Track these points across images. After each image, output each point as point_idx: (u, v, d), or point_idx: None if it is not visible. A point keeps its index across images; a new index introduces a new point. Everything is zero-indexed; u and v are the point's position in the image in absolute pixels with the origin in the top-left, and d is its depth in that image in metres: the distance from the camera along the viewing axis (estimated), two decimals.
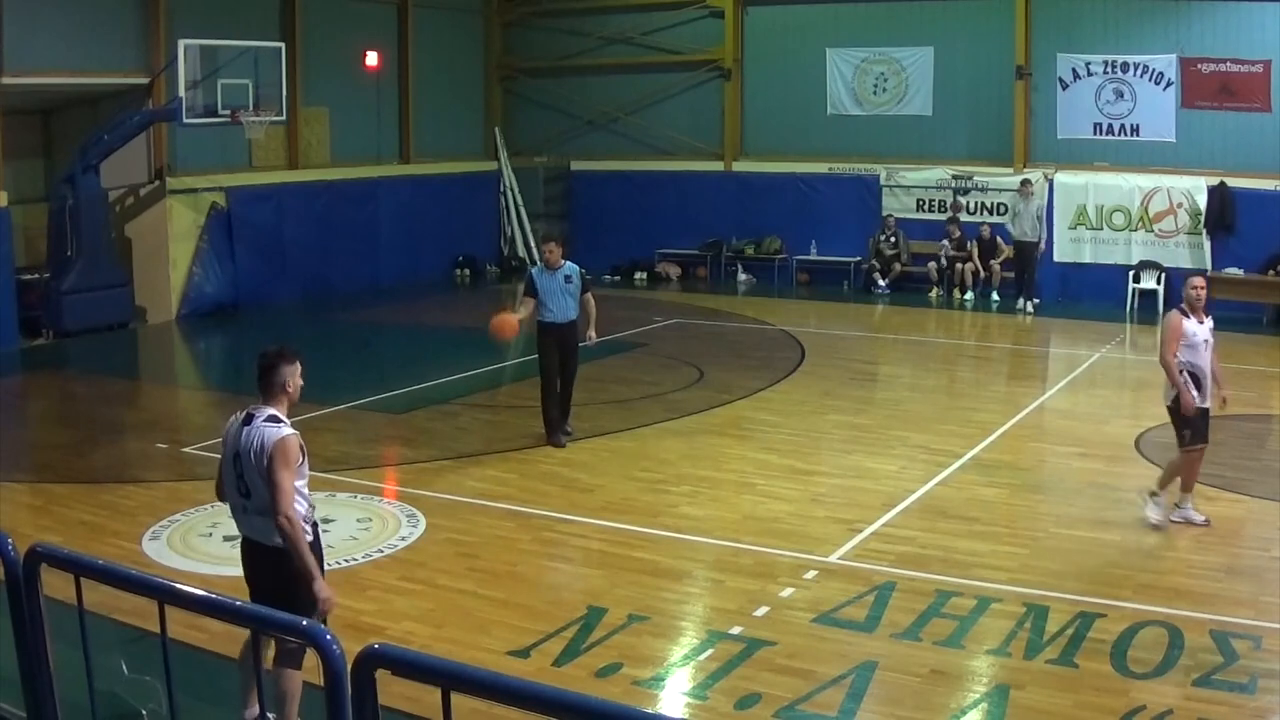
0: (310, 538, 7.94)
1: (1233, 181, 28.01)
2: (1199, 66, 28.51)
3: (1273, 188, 27.77)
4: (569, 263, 16.83)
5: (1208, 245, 28.30)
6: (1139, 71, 29.03)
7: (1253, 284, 27.61)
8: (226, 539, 12.14)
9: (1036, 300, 28.36)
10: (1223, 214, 28.05)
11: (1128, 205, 28.99)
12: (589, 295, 16.82)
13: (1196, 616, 10.53)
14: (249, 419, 8.03)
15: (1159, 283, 28.36)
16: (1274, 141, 27.71)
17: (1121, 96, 29.27)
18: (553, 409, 16.41)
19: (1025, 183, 28.75)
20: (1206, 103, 28.59)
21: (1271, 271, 27.55)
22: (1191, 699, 9.01)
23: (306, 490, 8.02)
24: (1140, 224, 28.91)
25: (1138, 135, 29.27)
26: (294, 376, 8.20)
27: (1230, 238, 27.89)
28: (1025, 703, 8.93)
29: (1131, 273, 28.71)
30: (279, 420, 8.00)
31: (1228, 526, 13.42)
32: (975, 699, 9.11)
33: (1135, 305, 28.31)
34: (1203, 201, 28.21)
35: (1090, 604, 10.73)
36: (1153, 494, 13.29)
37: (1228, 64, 28.28)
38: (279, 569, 7.89)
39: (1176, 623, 10.33)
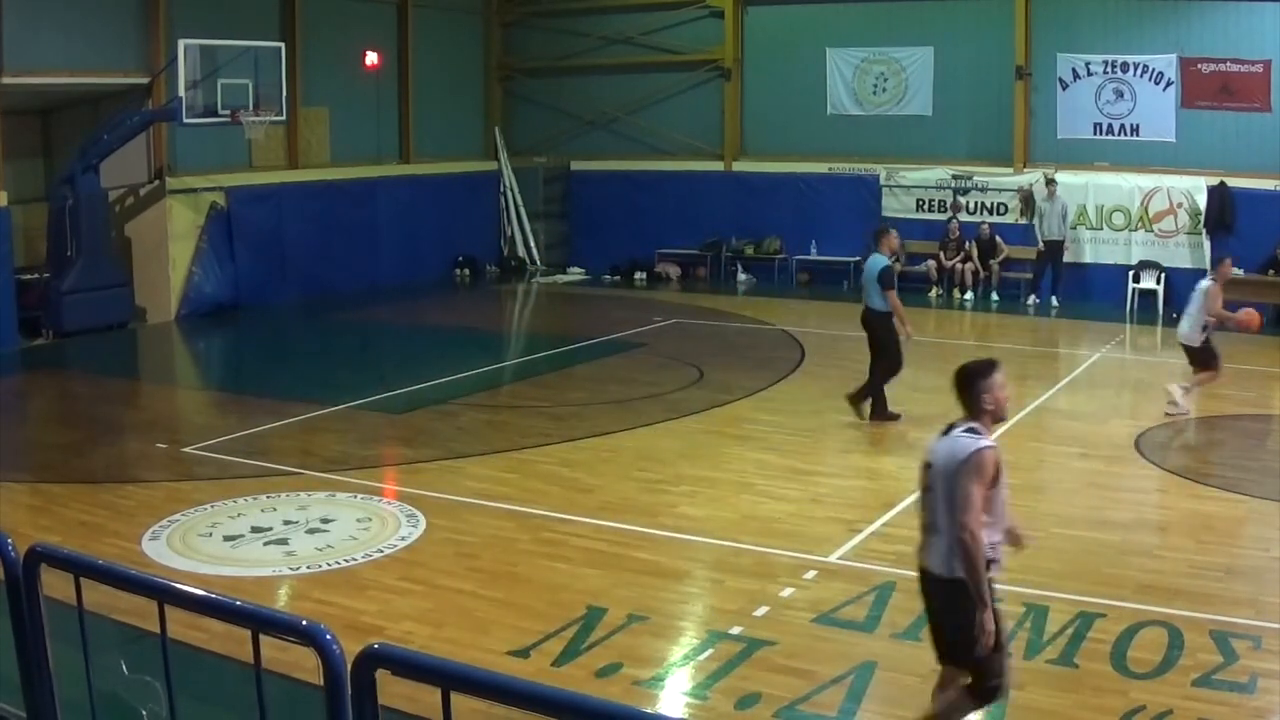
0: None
1: (1232, 181, 28.05)
2: (1199, 66, 28.53)
3: (1272, 188, 27.80)
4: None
5: (1207, 245, 28.32)
6: (1139, 71, 29.06)
7: (1252, 284, 27.59)
8: (227, 539, 12.20)
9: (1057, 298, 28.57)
10: (1222, 214, 28.08)
11: (1128, 205, 29.04)
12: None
13: (1196, 616, 10.53)
14: (948, 430, 7.91)
15: (1159, 282, 28.38)
16: (1274, 141, 27.73)
17: (1121, 96, 29.31)
18: None
19: (1051, 183, 28.83)
20: (1206, 103, 28.61)
21: (1271, 271, 27.57)
22: (1191, 699, 9.02)
23: (996, 518, 7.74)
24: (1140, 224, 28.96)
25: (1138, 135, 29.30)
26: (993, 389, 7.94)
27: (1230, 238, 27.88)
28: (1025, 702, 8.92)
29: (1131, 273, 28.74)
30: (978, 433, 7.78)
31: (1227, 526, 13.46)
32: None
33: (1135, 305, 28.32)
34: (1202, 201, 28.26)
35: (1090, 604, 10.75)
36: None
37: (1228, 64, 28.31)
38: (942, 599, 7.83)
39: (1176, 623, 10.34)
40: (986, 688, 7.85)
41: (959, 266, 29.73)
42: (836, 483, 14.65)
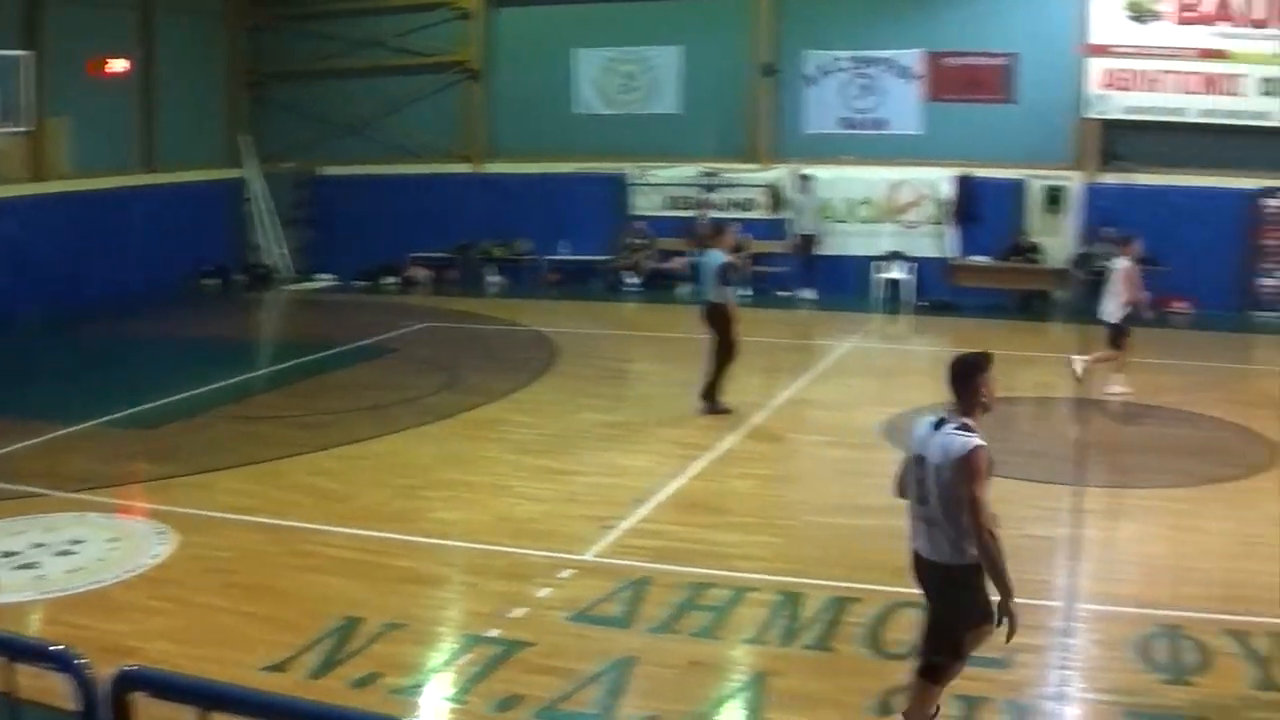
0: (976, 557, 7.89)
1: (976, 172, 28.88)
2: (944, 60, 29.33)
3: (1016, 177, 28.69)
4: None
5: (954, 234, 29.15)
6: (885, 66, 29.74)
7: (998, 271, 28.50)
8: None
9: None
10: (968, 204, 28.89)
11: (875, 197, 29.70)
12: None
13: None
14: (940, 424, 8.02)
15: (906, 272, 29.08)
16: (1017, 132, 28.68)
17: (868, 91, 29.96)
18: None
19: (806, 178, 29.30)
20: (951, 96, 29.45)
21: (1015, 258, 28.44)
22: None
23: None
24: (887, 215, 29.61)
25: (884, 129, 29.99)
26: (989, 383, 8.14)
27: (975, 226, 28.74)
28: (784, 689, 9.15)
29: (878, 263, 29.39)
30: (970, 430, 7.92)
31: None
32: (734, 688, 9.32)
33: (883, 295, 28.96)
34: (948, 192, 29.02)
35: (844, 589, 11.04)
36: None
37: (972, 57, 29.16)
38: (944, 584, 8.04)
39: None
40: (953, 667, 8.18)
41: None
42: (590, 481, 14.74)
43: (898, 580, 11.14)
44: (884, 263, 29.58)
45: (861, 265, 29.60)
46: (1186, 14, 28.52)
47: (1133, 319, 19.92)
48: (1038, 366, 22.23)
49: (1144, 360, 21.06)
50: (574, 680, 9.18)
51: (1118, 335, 19.91)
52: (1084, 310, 26.05)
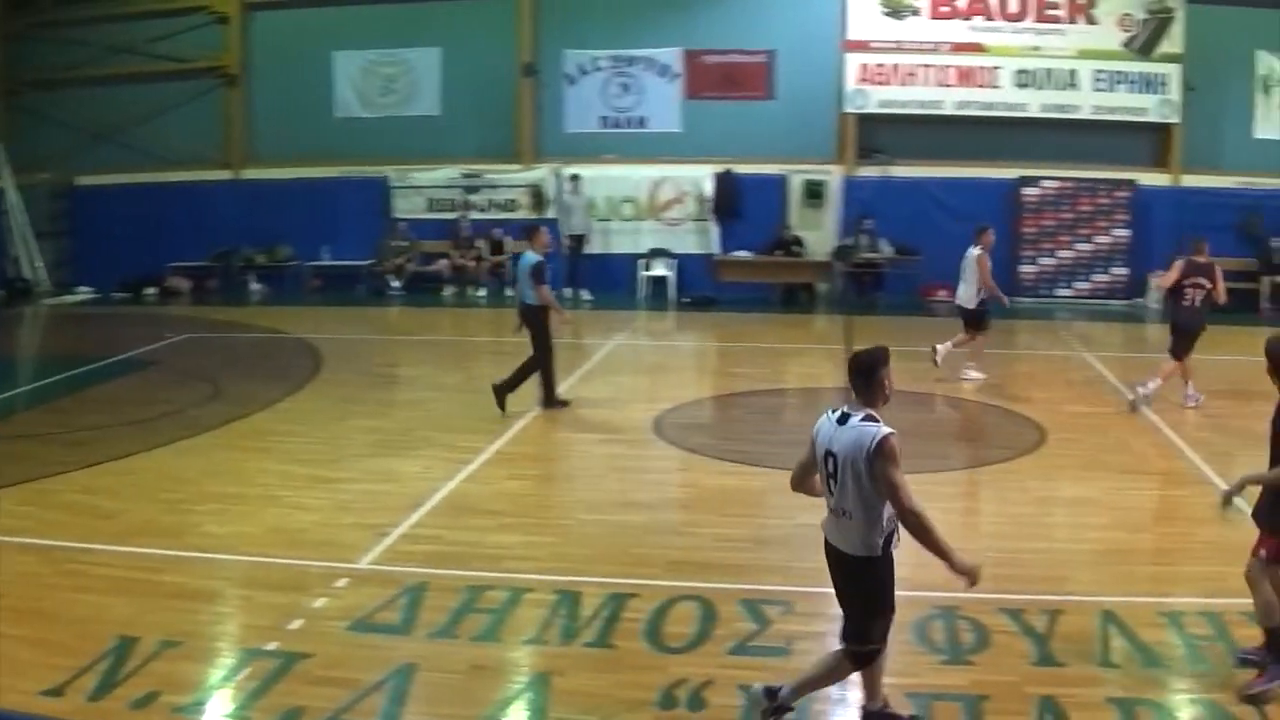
0: (879, 550, 8.16)
1: (738, 168, 29.27)
2: (703, 58, 29.71)
3: (775, 172, 29.13)
4: None
5: (715, 230, 29.54)
6: (645, 65, 29.98)
7: (761, 265, 28.91)
8: None
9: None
10: (729, 200, 29.25)
11: (637, 196, 29.91)
12: None
13: (727, 588, 11.05)
14: (844, 418, 8.15)
15: (669, 269, 29.35)
16: (776, 128, 29.16)
17: (628, 90, 30.19)
18: None
19: (575, 178, 29.38)
20: (711, 93, 29.84)
21: (778, 251, 28.87)
22: (729, 667, 9.46)
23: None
24: (650, 213, 29.84)
25: (645, 127, 30.26)
26: (890, 375, 8.31)
27: (737, 222, 29.13)
28: (566, 688, 9.18)
29: (642, 261, 29.61)
30: (876, 420, 8.07)
31: (751, 499, 14.17)
32: (517, 689, 9.30)
33: (647, 292, 29.18)
34: (709, 189, 29.36)
35: (622, 585, 11.10)
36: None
37: (731, 55, 29.56)
38: (851, 575, 8.26)
39: (708, 595, 10.83)
40: (869, 651, 8.40)
41: (471, 264, 30.07)
42: (362, 488, 14.58)
43: (673, 574, 11.36)
44: (648, 260, 29.82)
45: (626, 263, 29.83)
46: (942, 8, 29.39)
47: (987, 305, 20.99)
48: (804, 358, 22.70)
49: (911, 348, 21.53)
50: (356, 690, 9.10)
51: (974, 321, 20.93)
52: (846, 302, 26.65)
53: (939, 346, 20.71)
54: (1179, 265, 18.89)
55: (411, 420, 17.96)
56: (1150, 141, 30.93)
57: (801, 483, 8.73)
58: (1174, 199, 29.99)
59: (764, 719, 8.46)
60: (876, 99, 29.68)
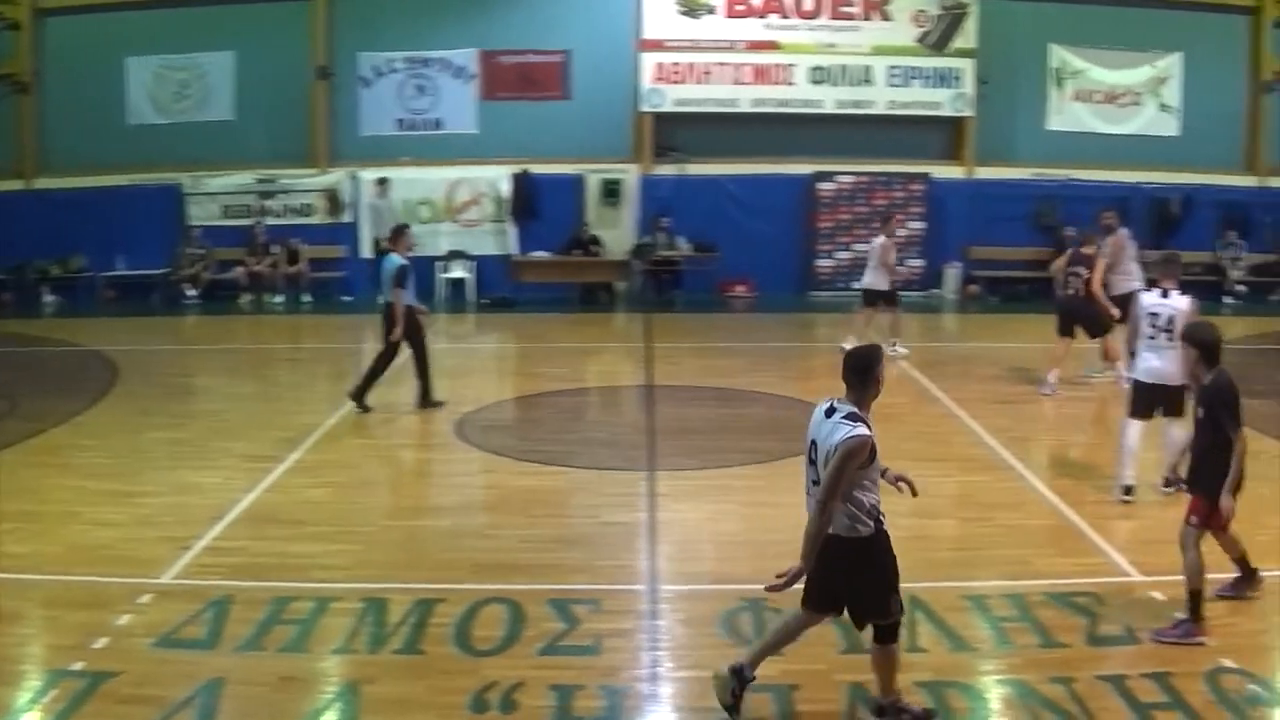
0: (871, 529, 8.46)
1: (535, 168, 29.29)
2: (499, 59, 29.68)
3: (572, 172, 29.20)
4: None
5: (513, 231, 29.54)
6: (440, 66, 29.87)
7: (559, 265, 28.96)
8: None
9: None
10: (526, 200, 29.26)
11: (433, 198, 29.78)
12: None
13: (534, 588, 11.07)
14: (831, 411, 8.51)
15: (467, 271, 29.27)
16: (573, 128, 29.22)
17: (423, 92, 30.05)
18: None
19: (383, 181, 29.13)
20: (507, 94, 29.80)
21: (576, 251, 28.93)
22: (540, 668, 9.49)
23: (874, 484, 8.53)
24: (447, 215, 29.74)
25: (440, 129, 30.13)
26: (882, 373, 8.67)
27: (535, 223, 29.15)
28: (377, 696, 9.12)
29: (440, 263, 29.47)
30: (857, 419, 8.37)
31: (555, 498, 14.24)
32: (328, 699, 9.22)
33: (446, 294, 29.06)
34: (506, 190, 29.33)
35: (429, 590, 11.06)
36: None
37: (528, 55, 29.57)
38: (846, 557, 8.47)
39: (515, 597, 10.83)
40: (896, 624, 8.73)
41: (267, 271, 29.73)
42: (163, 501, 14.28)
43: (480, 577, 11.36)
44: (446, 263, 29.72)
45: (424, 266, 29.62)
46: (737, 7, 29.72)
47: (897, 286, 23.07)
48: (604, 356, 22.81)
49: (710, 345, 21.77)
50: (164, 707, 8.93)
51: (889, 300, 23.11)
52: (645, 300, 26.80)
53: (850, 338, 21.44)
54: (1067, 254, 20.03)
55: (210, 431, 17.65)
56: (944, 135, 31.61)
57: None
58: (968, 191, 30.71)
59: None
60: (672, 97, 29.89)
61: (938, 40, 30.57)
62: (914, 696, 9.03)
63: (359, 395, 18.45)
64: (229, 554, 12.32)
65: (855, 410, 8.45)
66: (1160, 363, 13.96)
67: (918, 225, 30.76)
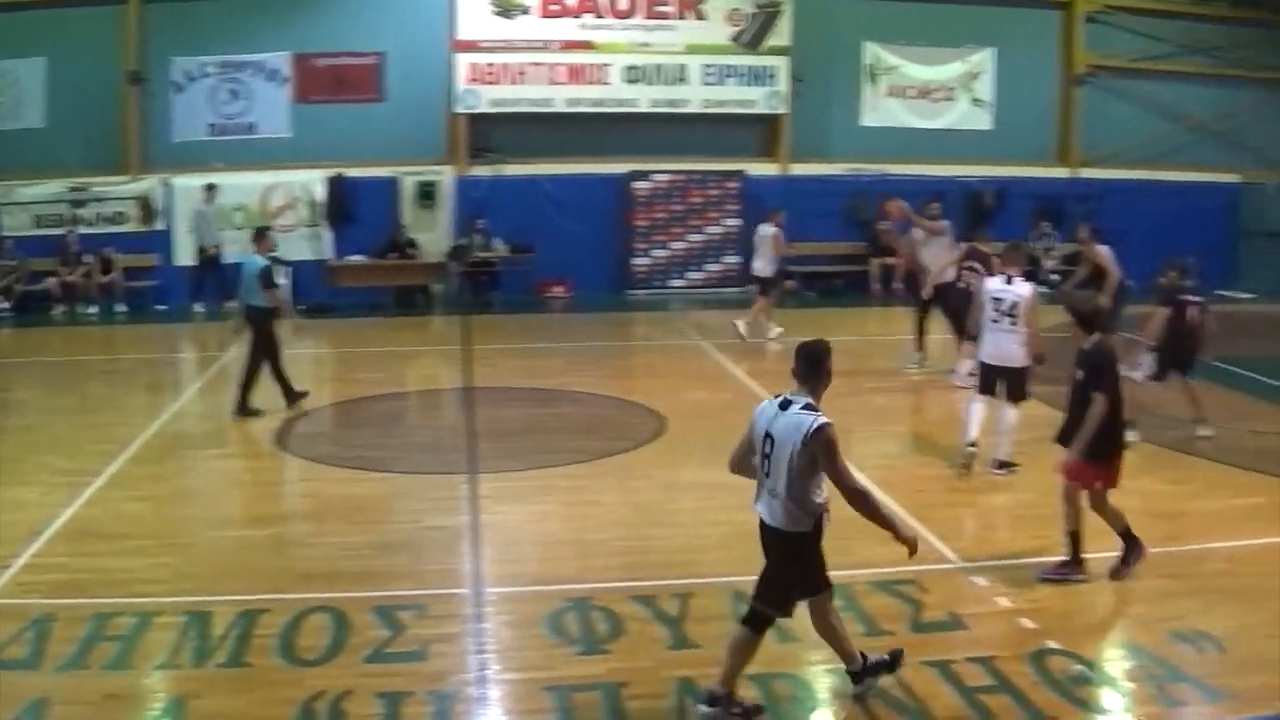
0: (809, 529, 8.73)
1: (350, 171, 29.11)
2: (313, 61, 29.42)
3: (387, 175, 29.09)
4: None
5: (328, 236, 29.33)
6: (254, 70, 29.54)
7: (376, 269, 28.83)
8: None
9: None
10: (341, 204, 29.07)
11: (248, 203, 29.43)
12: None
13: (359, 596, 11.06)
14: (785, 404, 8.68)
15: (283, 277, 28.92)
16: (389, 130, 29.08)
17: (236, 96, 29.69)
18: None
19: (211, 188, 28.69)
20: (321, 96, 29.55)
21: (392, 255, 28.82)
22: (367, 675, 9.49)
23: (822, 485, 8.72)
24: (261, 220, 29.33)
25: (254, 133, 29.79)
26: (832, 366, 8.87)
27: (351, 226, 28.97)
28: (204, 710, 9.07)
29: None
30: (815, 409, 8.62)
31: (377, 504, 14.24)
32: (154, 716, 9.18)
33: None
34: (321, 193, 29.11)
35: (252, 601, 10.96)
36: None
37: (342, 57, 29.37)
38: (781, 548, 8.80)
39: (339, 605, 10.82)
40: (772, 619, 9.01)
41: (81, 281, 29.24)
42: None
43: (303, 587, 11.33)
44: None
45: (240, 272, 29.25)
46: (552, 7, 29.78)
47: (781, 274, 25.06)
48: (423, 360, 22.82)
49: (528, 346, 21.86)
50: None
51: (767, 286, 24.50)
52: (463, 302, 26.78)
53: (740, 322, 24.13)
54: (964, 249, 20.38)
55: (25, 445, 17.25)
56: (759, 132, 32.00)
57: (739, 463, 9.17)
58: (783, 187, 31.02)
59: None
60: (487, 98, 29.88)
61: (752, 39, 30.91)
62: (747, 692, 9.17)
63: (242, 406, 18.44)
64: (49, 571, 12.13)
65: (810, 402, 8.72)
66: (1002, 345, 14.99)
67: (733, 223, 31.11)
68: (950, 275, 20.28)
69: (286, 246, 28.94)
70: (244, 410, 18.40)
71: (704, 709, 8.87)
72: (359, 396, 20.12)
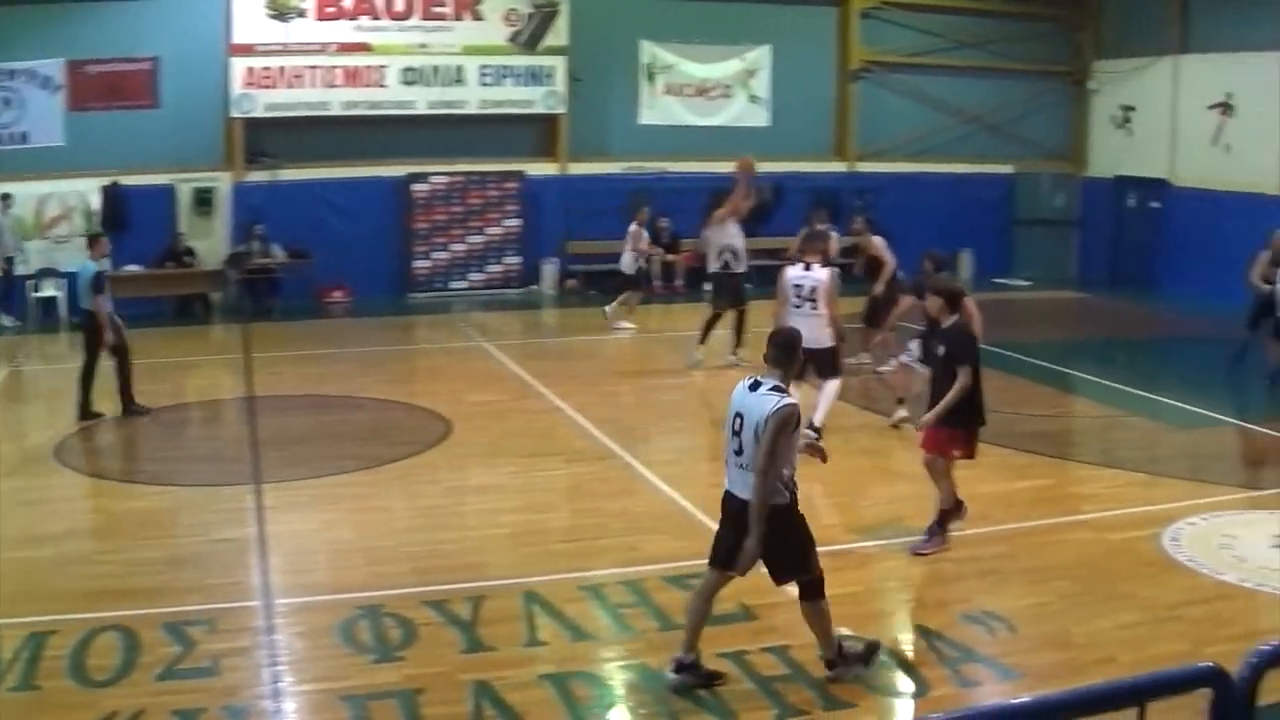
0: (786, 499, 9.21)
1: (125, 179, 28.59)
2: (87, 68, 28.79)
3: (164, 182, 28.67)
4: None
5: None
6: (26, 78, 28.85)
7: (151, 278, 28.35)
8: None
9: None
10: (116, 213, 28.54)
11: (22, 215, 28.75)
12: None
13: (148, 613, 10.89)
14: (755, 385, 9.28)
15: (59, 289, 28.38)
16: (165, 136, 28.56)
17: (9, 104, 28.96)
18: None
19: (6, 197, 27.92)
20: (96, 104, 28.92)
21: (170, 264, 28.42)
22: (161, 694, 9.36)
23: (795, 457, 9.33)
24: (35, 232, 28.78)
25: (26, 143, 29.07)
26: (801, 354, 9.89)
27: (127, 235, 28.42)
28: None
29: (31, 282, 28.47)
30: (783, 391, 9.19)
31: (164, 519, 14.03)
32: None
33: (37, 314, 28.10)
34: (96, 203, 28.59)
35: (39, 623, 10.71)
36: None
37: (116, 64, 28.80)
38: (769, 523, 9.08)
39: (128, 624, 10.64)
40: (817, 580, 9.47)
41: None
42: None
43: (92, 606, 11.17)
44: (37, 281, 28.77)
45: (17, 285, 28.67)
46: (328, 9, 29.47)
47: (644, 272, 26.84)
48: (203, 370, 22.58)
49: (310, 352, 21.76)
50: None
51: (629, 282, 25.76)
52: (242, 310, 26.51)
53: (608, 308, 25.61)
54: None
55: None
56: (538, 133, 32.04)
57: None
58: (562, 187, 31.32)
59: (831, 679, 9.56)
60: (264, 103, 29.54)
61: (529, 39, 30.99)
62: (542, 692, 9.34)
63: (83, 410, 18.22)
64: None
65: (780, 384, 9.24)
66: (805, 329, 15.24)
67: (514, 223, 31.15)
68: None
69: (62, 258, 28.33)
70: (85, 415, 18.21)
71: (829, 673, 9.55)
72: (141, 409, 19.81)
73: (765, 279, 22.83)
